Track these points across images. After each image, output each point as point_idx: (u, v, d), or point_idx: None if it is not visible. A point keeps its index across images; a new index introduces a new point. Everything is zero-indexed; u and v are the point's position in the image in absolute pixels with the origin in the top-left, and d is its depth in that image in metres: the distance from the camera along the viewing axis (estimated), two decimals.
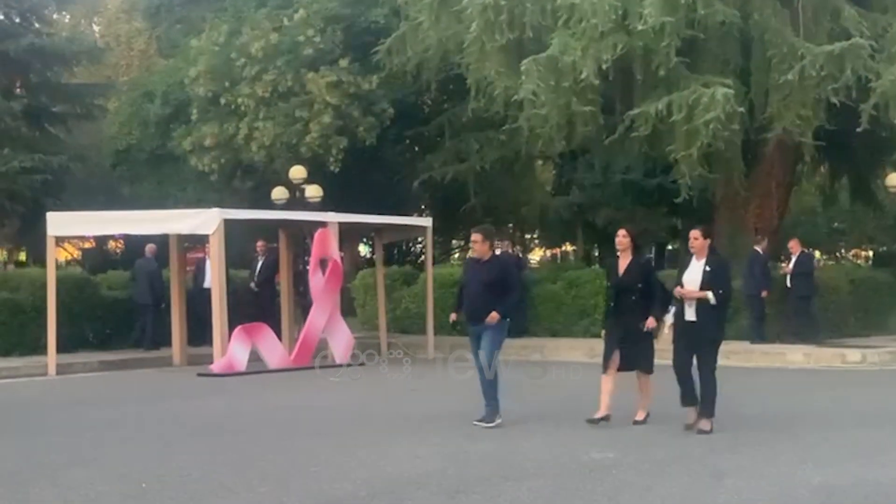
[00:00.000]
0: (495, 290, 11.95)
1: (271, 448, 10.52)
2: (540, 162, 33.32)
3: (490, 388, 11.95)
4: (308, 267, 19.95)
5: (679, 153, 20.70)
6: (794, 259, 21.78)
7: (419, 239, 32.75)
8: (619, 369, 11.74)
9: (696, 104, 20.00)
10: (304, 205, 23.81)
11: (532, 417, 12.30)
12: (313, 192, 24.50)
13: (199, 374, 17.81)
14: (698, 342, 11.23)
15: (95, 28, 46.38)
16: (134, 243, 28.86)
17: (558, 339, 22.45)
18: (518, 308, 23.23)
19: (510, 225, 37.58)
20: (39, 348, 19.34)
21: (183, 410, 13.79)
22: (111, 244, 35.30)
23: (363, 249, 36.90)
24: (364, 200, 24.06)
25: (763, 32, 21.00)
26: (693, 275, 11.29)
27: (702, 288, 11.12)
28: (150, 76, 32.95)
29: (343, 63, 25.66)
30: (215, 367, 17.96)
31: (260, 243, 22.50)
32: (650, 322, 11.50)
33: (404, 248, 37.10)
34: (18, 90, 34.93)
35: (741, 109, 20.29)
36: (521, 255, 28.46)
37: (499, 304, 11.91)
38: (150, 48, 38.55)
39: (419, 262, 32.71)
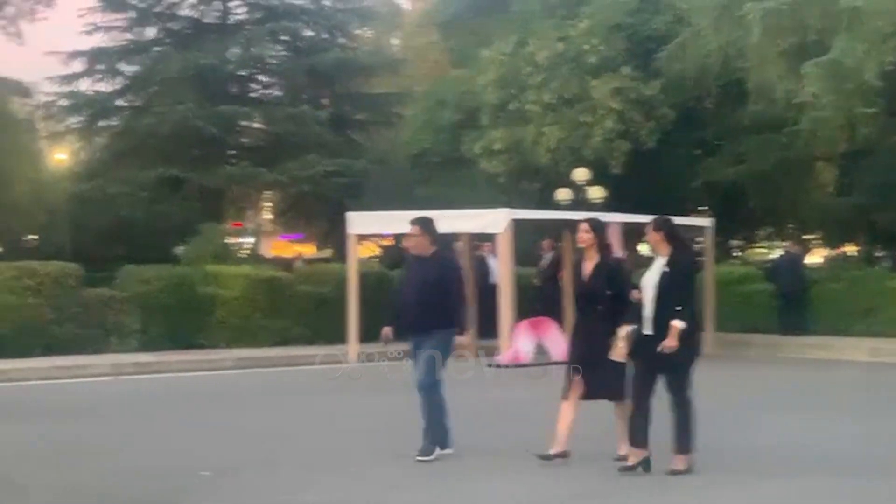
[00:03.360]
0: (436, 294, 9.67)
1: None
2: (820, 163, 32.22)
3: (435, 413, 9.82)
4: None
5: None
6: None
7: (698, 239, 32.23)
8: (583, 397, 9.39)
9: None
10: (587, 205, 23.80)
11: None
12: (596, 193, 24.48)
13: (488, 365, 18.11)
14: (660, 362, 8.86)
15: (394, 41, 47.81)
16: None
17: (842, 337, 21.67)
18: (797, 307, 22.64)
19: (790, 225, 36.48)
20: (341, 338, 20.09)
21: (470, 397, 14.06)
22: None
23: (644, 248, 36.61)
24: (645, 201, 23.82)
25: None
26: (652, 276, 9.04)
27: (658, 292, 8.86)
28: (443, 85, 33.68)
29: (625, 70, 25.53)
30: (502, 358, 18.23)
31: (546, 242, 22.66)
32: (624, 326, 9.12)
33: None
34: (325, 101, 36.44)
35: None
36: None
37: (441, 316, 9.66)
38: (444, 59, 39.39)
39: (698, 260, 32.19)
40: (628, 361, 9.12)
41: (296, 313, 21.55)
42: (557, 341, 18.98)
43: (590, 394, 9.40)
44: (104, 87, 35.78)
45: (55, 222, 29.35)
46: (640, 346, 8.95)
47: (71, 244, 28.24)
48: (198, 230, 26.59)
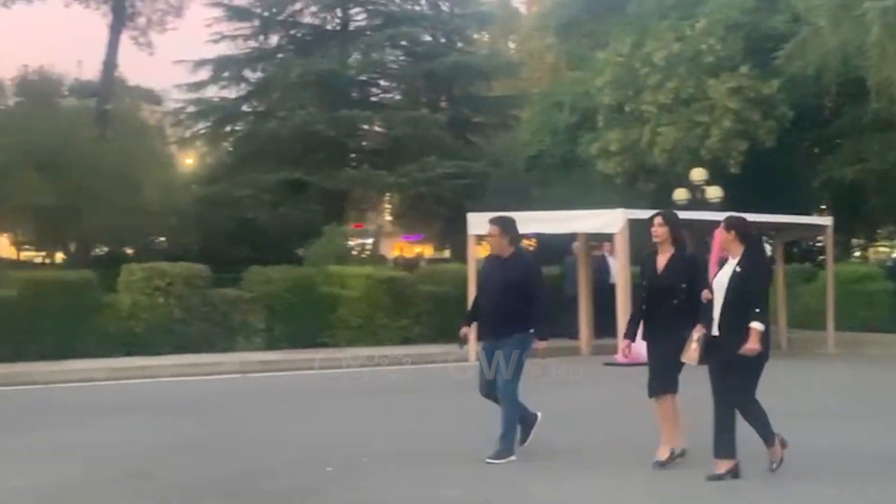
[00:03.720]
0: (516, 297, 9.37)
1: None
2: None
3: (510, 417, 9.53)
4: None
5: None
6: None
7: (819, 238, 31.72)
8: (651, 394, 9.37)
9: None
10: (704, 205, 23.56)
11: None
12: (713, 192, 24.21)
13: (605, 364, 18.06)
14: (730, 362, 8.49)
15: (511, 45, 47.91)
16: (545, 241, 29.64)
17: None
18: None
19: None
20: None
21: (583, 395, 14.10)
22: (524, 242, 36.20)
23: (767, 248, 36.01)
24: (763, 200, 23.52)
25: None
26: (723, 277, 8.65)
27: (727, 293, 8.50)
28: (559, 87, 33.65)
29: (743, 69, 25.23)
30: (620, 356, 18.14)
31: None
32: (698, 329, 8.69)
33: (804, 246, 35.96)
34: (443, 104, 36.68)
35: None
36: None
37: (521, 318, 9.34)
38: (560, 61, 39.32)
39: (818, 259, 31.66)
40: (699, 365, 8.79)
41: (416, 313, 21.73)
42: None
43: (651, 389, 9.38)
44: (229, 93, 36.61)
45: (183, 224, 29.99)
46: (711, 348, 8.63)
47: (198, 246, 28.85)
48: (320, 231, 26.97)
